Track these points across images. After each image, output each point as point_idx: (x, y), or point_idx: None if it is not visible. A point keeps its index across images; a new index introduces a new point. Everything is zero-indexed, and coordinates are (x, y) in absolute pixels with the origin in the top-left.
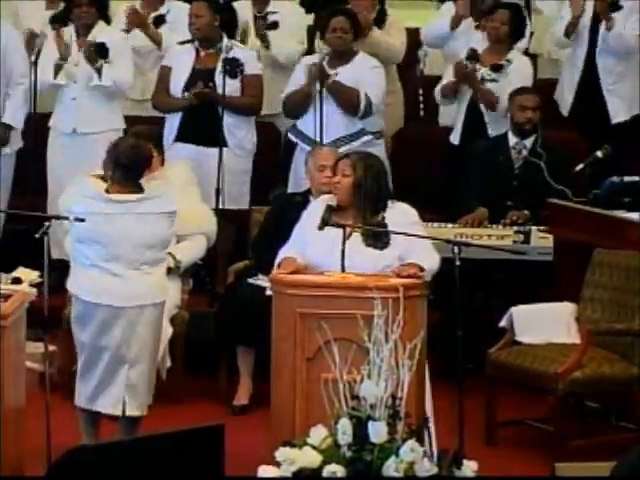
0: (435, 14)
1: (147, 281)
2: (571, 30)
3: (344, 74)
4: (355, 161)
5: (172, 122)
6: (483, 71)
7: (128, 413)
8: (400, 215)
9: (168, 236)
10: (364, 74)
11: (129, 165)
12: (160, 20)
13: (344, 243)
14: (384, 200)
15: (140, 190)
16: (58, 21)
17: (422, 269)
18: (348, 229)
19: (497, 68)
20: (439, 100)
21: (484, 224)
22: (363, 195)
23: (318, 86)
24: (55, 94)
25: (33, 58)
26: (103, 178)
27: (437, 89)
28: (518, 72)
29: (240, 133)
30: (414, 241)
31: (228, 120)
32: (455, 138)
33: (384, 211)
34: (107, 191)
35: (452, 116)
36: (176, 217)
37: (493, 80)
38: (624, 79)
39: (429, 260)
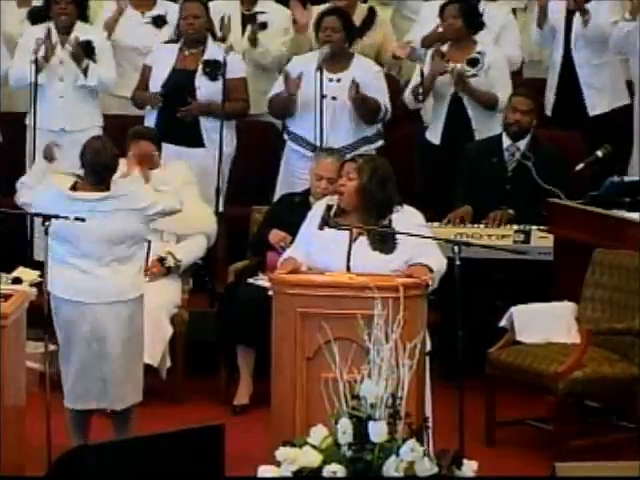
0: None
1: (116, 278)
2: (542, 20)
3: (346, 81)
4: (361, 165)
5: (149, 122)
6: (460, 67)
7: (105, 406)
8: (407, 219)
9: (139, 232)
10: (368, 80)
11: (92, 168)
12: (161, 21)
13: (350, 245)
14: (390, 204)
15: (107, 189)
16: (37, 17)
17: (431, 270)
18: (354, 232)
19: (474, 62)
20: (409, 102)
21: (466, 222)
22: (368, 199)
23: (318, 92)
24: (27, 93)
25: (33, 57)
26: (79, 176)
27: (407, 91)
28: (495, 66)
29: (218, 136)
30: (421, 245)
31: (208, 122)
32: (435, 137)
33: (391, 214)
34: (74, 188)
35: (427, 110)
36: (148, 211)
37: (473, 75)
38: (600, 71)
39: (436, 263)
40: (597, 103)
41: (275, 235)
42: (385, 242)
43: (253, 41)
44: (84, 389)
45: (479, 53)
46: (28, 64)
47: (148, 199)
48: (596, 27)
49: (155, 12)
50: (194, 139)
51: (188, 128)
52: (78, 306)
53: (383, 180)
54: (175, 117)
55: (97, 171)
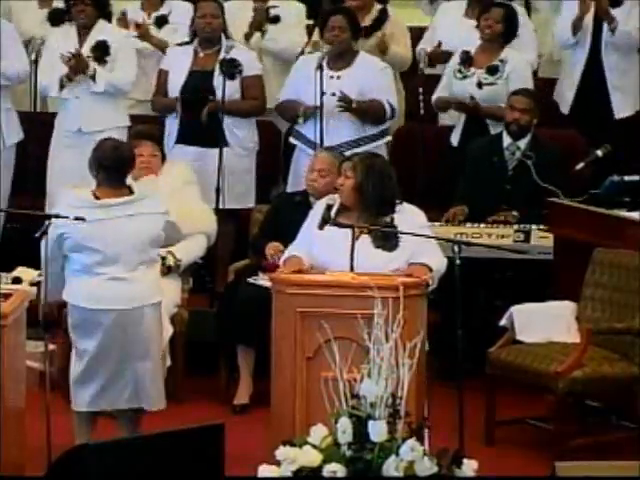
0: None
1: (145, 282)
2: (578, 27)
3: (348, 78)
4: (357, 163)
5: (171, 125)
6: (478, 74)
7: (145, 407)
8: (409, 218)
9: (159, 235)
10: (374, 78)
11: (111, 167)
12: (162, 20)
13: (353, 243)
14: (389, 202)
15: (129, 191)
16: (57, 18)
17: (431, 269)
18: (356, 231)
19: (493, 70)
20: (436, 109)
21: (461, 220)
22: (365, 197)
23: (319, 90)
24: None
25: (33, 57)
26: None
27: (434, 99)
28: (517, 73)
29: (241, 132)
30: (422, 245)
31: (228, 120)
32: (454, 139)
33: (392, 212)
34: (95, 196)
35: (451, 115)
36: (168, 217)
37: (491, 84)
38: (627, 75)
39: (437, 262)
40: (624, 106)
41: (270, 247)
42: (387, 239)
43: (259, 27)
44: (117, 391)
45: (501, 61)
46: (56, 79)
47: (165, 203)
48: (624, 33)
49: (160, 12)
50: (217, 139)
51: (210, 129)
52: (114, 313)
53: (380, 178)
54: (197, 119)
55: (118, 168)
